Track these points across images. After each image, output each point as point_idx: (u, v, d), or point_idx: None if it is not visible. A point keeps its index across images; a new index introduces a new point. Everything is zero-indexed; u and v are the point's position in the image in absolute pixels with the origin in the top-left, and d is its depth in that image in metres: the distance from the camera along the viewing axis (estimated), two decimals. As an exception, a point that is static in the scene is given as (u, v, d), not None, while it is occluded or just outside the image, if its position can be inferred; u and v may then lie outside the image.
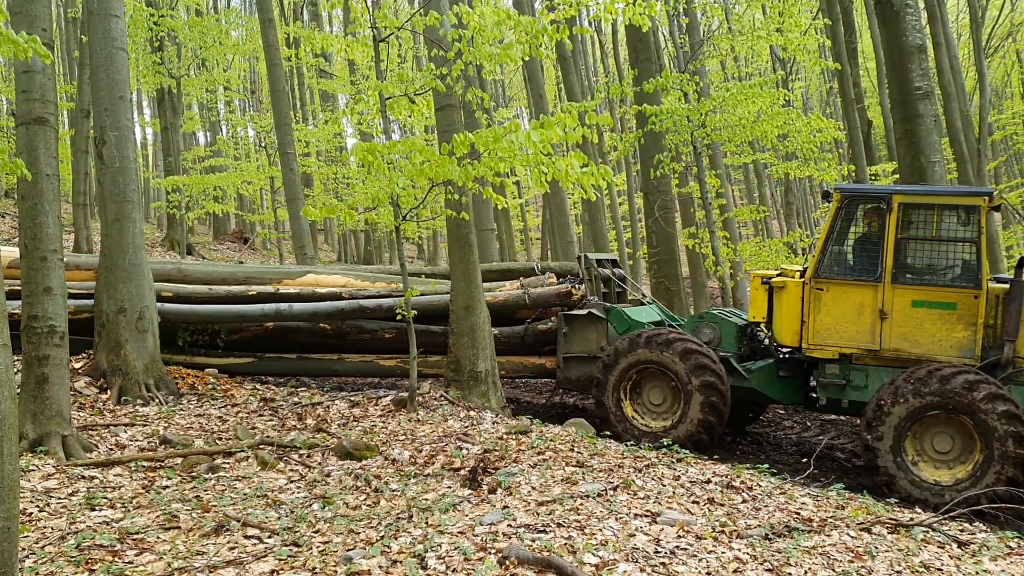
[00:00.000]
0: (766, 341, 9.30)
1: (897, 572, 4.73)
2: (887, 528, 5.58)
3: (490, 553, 4.46)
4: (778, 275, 8.98)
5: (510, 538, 4.69)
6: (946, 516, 6.13)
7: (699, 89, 14.57)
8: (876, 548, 5.07)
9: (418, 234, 32.61)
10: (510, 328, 10.54)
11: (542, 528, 4.90)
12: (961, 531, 5.90)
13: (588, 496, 5.62)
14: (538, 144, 6.70)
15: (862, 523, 5.58)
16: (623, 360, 8.85)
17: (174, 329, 10.29)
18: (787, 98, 14.44)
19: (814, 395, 8.88)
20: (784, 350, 8.98)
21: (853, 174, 17.93)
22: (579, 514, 5.20)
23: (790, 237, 19.90)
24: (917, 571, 4.78)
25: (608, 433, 8.39)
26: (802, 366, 8.89)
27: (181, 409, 8.39)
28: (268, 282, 10.63)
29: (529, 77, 17.08)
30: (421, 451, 7.00)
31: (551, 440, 7.37)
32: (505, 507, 5.35)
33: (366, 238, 24.90)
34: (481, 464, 6.33)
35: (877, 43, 16.84)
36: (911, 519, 5.87)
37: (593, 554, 4.47)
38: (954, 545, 5.44)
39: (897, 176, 12.08)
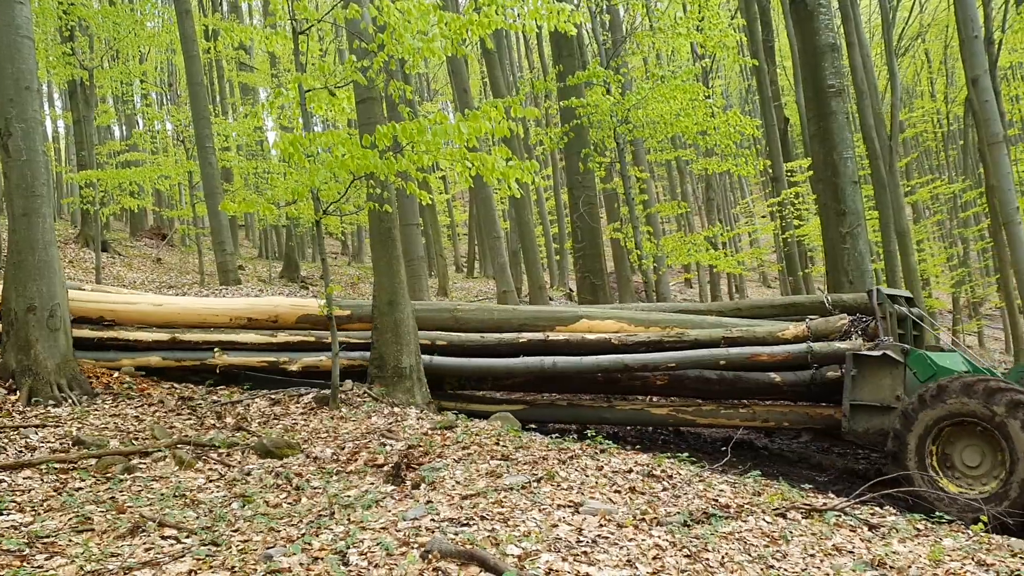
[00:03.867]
0: None
1: (811, 555, 4.87)
2: (801, 513, 5.74)
3: (413, 548, 4.45)
4: None
5: (433, 532, 4.68)
6: (858, 501, 6.34)
7: (622, 84, 14.75)
8: (791, 532, 5.21)
9: (341, 229, 32.30)
10: (793, 374, 9.47)
11: (465, 521, 4.90)
12: (872, 515, 6.10)
13: (512, 488, 5.64)
14: (465, 135, 6.67)
15: (777, 509, 5.74)
16: (932, 411, 7.69)
17: (444, 376, 10.15)
18: (706, 94, 14.71)
19: None
20: None
21: (770, 170, 18.38)
22: (503, 506, 5.22)
23: (710, 232, 20.33)
24: (829, 554, 4.93)
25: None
26: None
27: (96, 409, 8.14)
28: (541, 328, 10.08)
29: (453, 71, 17.06)
30: (344, 448, 6.94)
31: (476, 435, 7.38)
32: (429, 502, 5.34)
33: (288, 233, 24.52)
34: (405, 460, 6.30)
35: (793, 42, 17.29)
36: (824, 504, 6.06)
37: (516, 545, 4.49)
38: (865, 528, 5.63)
39: (812, 172, 12.42)
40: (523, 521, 4.92)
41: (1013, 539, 6.22)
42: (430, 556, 4.28)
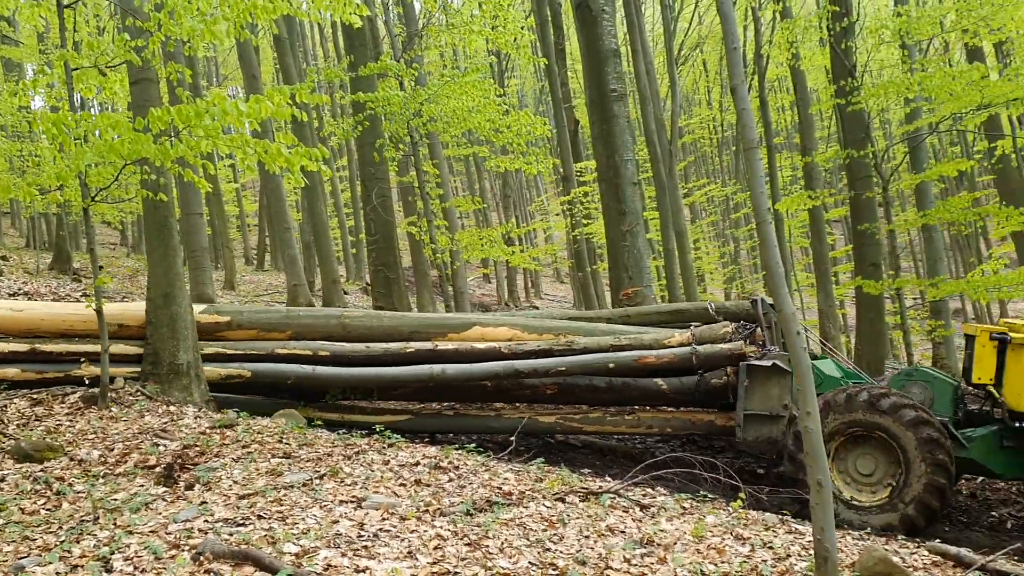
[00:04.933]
0: (986, 405, 8.40)
1: (586, 537, 5.09)
2: (579, 497, 5.99)
3: (184, 550, 4.26)
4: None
5: (206, 533, 4.51)
6: (631, 483, 6.69)
7: (416, 78, 14.74)
8: (568, 516, 5.43)
9: (120, 218, 30.33)
10: (679, 380, 9.53)
11: (241, 521, 4.75)
12: (644, 496, 6.46)
13: (293, 486, 5.52)
14: (247, 113, 6.40)
15: (557, 494, 5.95)
16: (839, 417, 7.75)
17: (328, 387, 9.68)
18: (498, 92, 14.99)
19: None
20: (1017, 418, 7.82)
21: (561, 169, 18.99)
22: (282, 505, 5.10)
23: (504, 228, 20.75)
24: (603, 534, 5.18)
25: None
26: None
27: None
28: (431, 336, 9.63)
29: (242, 56, 16.40)
30: (112, 450, 6.52)
31: (258, 432, 7.16)
32: (203, 503, 5.13)
33: (59, 222, 22.71)
34: (179, 460, 6.01)
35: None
36: (601, 487, 6.34)
37: (294, 543, 4.40)
38: (637, 509, 5.96)
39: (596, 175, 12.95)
40: (303, 519, 4.84)
41: (767, 514, 6.79)
42: (202, 558, 4.12)
